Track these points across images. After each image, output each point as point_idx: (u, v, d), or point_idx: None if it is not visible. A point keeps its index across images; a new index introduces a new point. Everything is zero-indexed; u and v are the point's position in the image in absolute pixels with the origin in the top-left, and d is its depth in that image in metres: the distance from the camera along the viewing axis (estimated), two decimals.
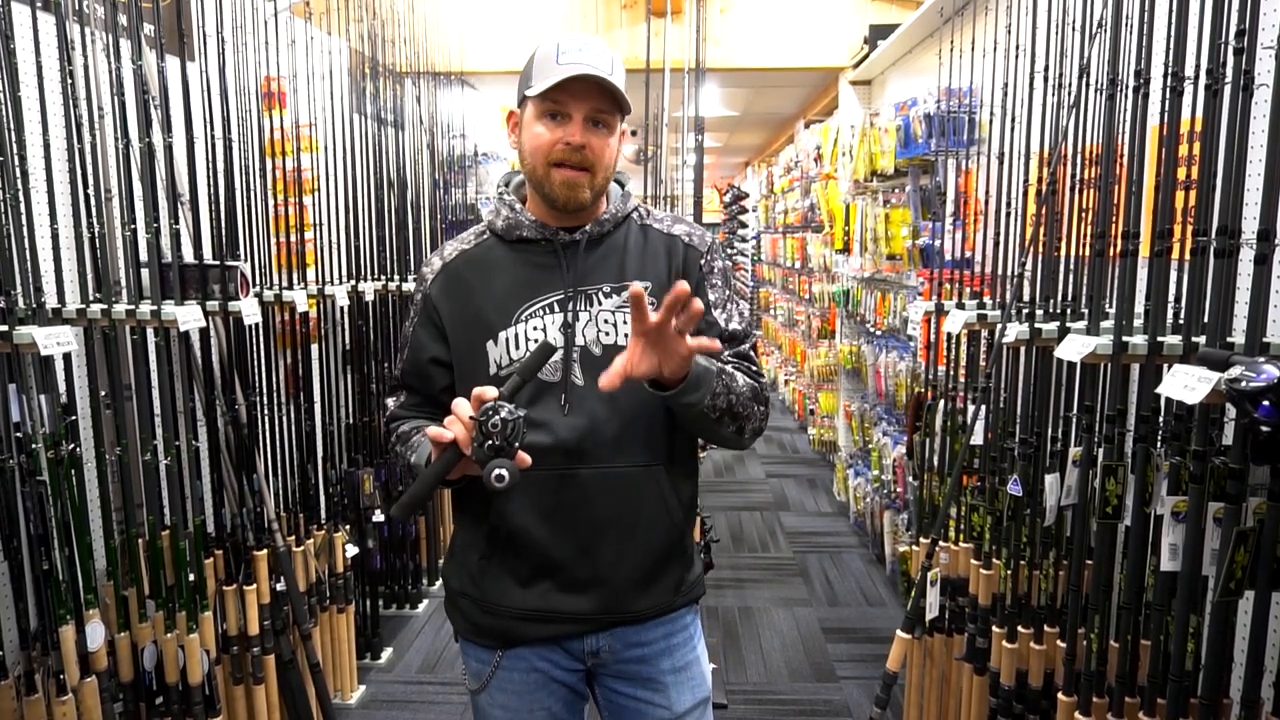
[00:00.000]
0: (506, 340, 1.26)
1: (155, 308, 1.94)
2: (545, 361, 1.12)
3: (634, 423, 1.26)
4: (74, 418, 1.85)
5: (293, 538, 2.51)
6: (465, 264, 1.33)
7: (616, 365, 1.11)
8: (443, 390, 1.33)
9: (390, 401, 1.40)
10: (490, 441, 1.07)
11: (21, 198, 1.73)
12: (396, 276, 3.32)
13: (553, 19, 4.56)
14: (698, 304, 1.06)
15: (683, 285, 1.05)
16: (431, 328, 1.33)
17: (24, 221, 1.73)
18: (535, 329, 1.26)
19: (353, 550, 2.81)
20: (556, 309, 1.27)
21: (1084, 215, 1.84)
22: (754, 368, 1.34)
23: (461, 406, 1.10)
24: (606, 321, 1.27)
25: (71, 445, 1.80)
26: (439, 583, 3.79)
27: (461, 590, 1.35)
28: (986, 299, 2.35)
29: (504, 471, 1.05)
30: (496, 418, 1.07)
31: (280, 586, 2.34)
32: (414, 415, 1.35)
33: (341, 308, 3.00)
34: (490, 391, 1.09)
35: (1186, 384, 1.26)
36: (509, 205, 1.32)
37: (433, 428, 1.12)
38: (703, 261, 1.35)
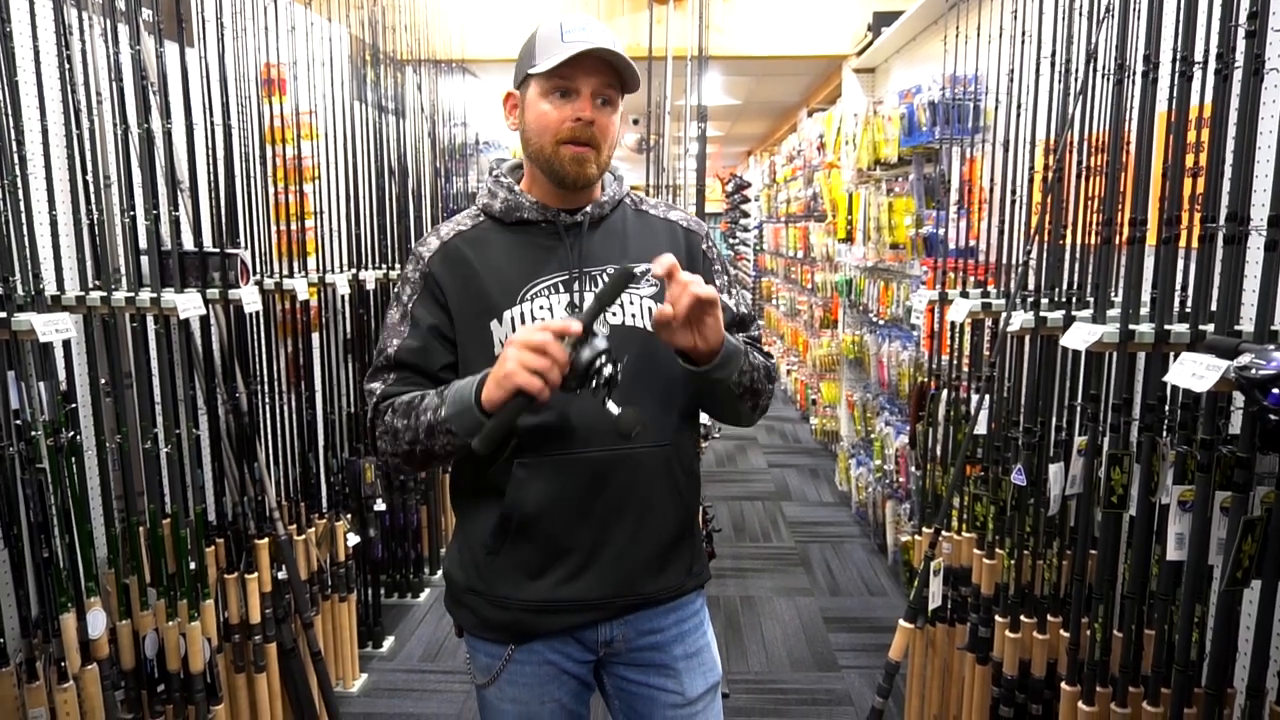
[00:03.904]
0: (512, 319, 1.25)
1: (155, 295, 1.93)
2: (626, 286, 1.05)
3: (645, 403, 1.25)
4: (74, 405, 1.85)
5: (294, 526, 2.51)
6: (464, 244, 1.30)
7: (664, 312, 1.12)
8: (443, 368, 1.29)
9: (376, 385, 1.29)
10: (591, 384, 1.04)
11: (20, 184, 1.71)
12: (398, 265, 3.31)
13: (555, 5, 4.53)
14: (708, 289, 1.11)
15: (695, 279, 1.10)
16: (434, 303, 1.28)
17: (23, 208, 1.72)
18: (541, 308, 1.25)
19: (354, 539, 2.81)
20: (561, 289, 1.26)
21: (1090, 203, 1.82)
22: (763, 348, 1.38)
23: (553, 348, 1.04)
24: None
25: (71, 433, 1.80)
26: (440, 572, 3.79)
27: (468, 586, 1.32)
28: (990, 288, 2.34)
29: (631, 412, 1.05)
30: (602, 364, 1.03)
31: (282, 575, 2.34)
32: (410, 390, 1.29)
33: (342, 296, 2.99)
34: (574, 325, 1.05)
35: (1195, 372, 1.25)
36: (506, 187, 1.30)
37: (529, 358, 1.04)
38: (705, 246, 1.39)
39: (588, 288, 1.27)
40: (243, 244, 2.35)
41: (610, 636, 1.31)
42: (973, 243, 2.68)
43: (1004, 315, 1.94)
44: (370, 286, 3.12)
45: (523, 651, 1.30)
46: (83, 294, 1.92)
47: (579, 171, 1.23)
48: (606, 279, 1.27)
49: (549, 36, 1.21)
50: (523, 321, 1.24)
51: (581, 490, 1.24)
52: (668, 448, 1.29)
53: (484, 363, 1.24)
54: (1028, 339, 1.95)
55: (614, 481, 1.25)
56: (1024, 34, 2.15)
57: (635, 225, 1.34)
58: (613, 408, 1.05)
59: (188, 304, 1.95)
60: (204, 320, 2.16)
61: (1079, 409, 1.81)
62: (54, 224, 1.87)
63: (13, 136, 1.71)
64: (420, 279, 1.29)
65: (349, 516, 2.87)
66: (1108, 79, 1.70)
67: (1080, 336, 1.56)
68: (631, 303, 1.27)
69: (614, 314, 1.26)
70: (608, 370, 1.03)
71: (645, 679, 1.34)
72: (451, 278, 1.28)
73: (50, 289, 1.87)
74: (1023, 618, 1.88)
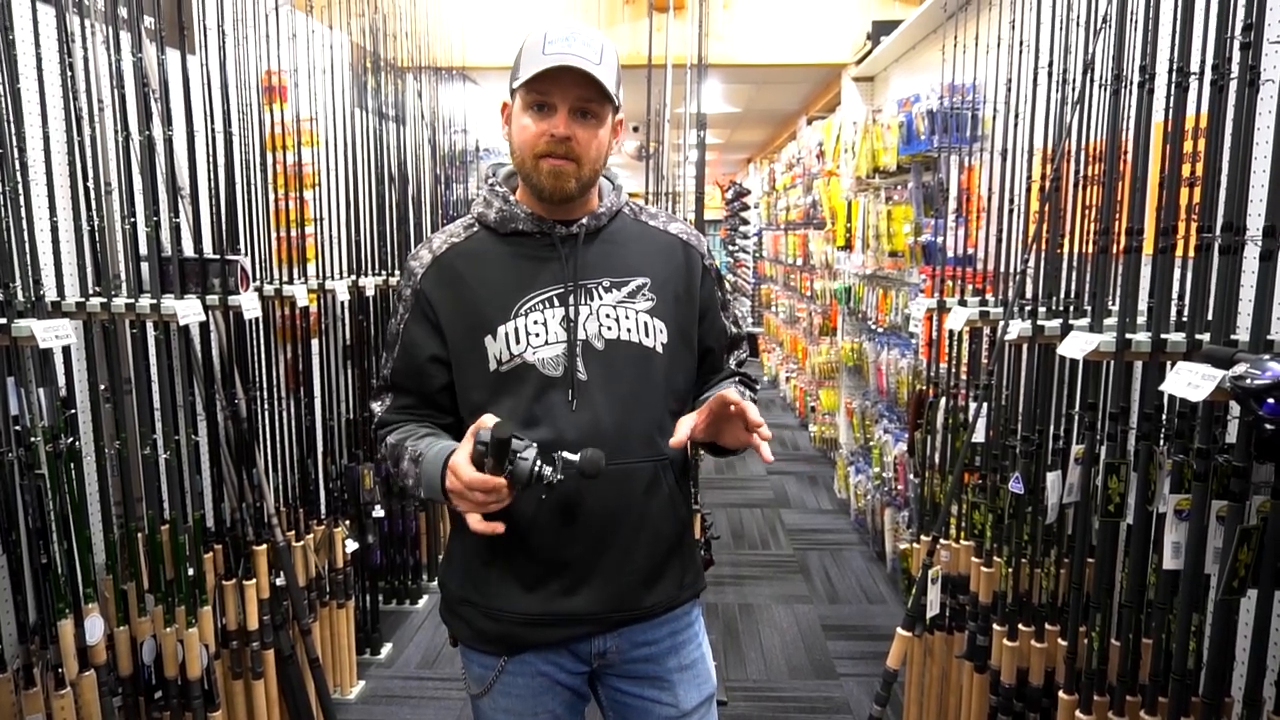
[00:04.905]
0: (506, 335, 1.24)
1: (155, 301, 1.94)
2: (509, 446, 1.10)
3: (640, 418, 1.26)
4: (73, 411, 1.85)
5: (292, 533, 2.50)
6: (457, 257, 1.29)
7: (683, 432, 1.18)
8: (439, 390, 1.29)
9: (376, 406, 1.34)
10: (543, 484, 1.12)
11: (21, 190, 1.72)
12: (397, 271, 3.31)
13: (555, 14, 4.55)
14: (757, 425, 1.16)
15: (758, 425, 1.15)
16: (425, 324, 1.28)
17: (23, 214, 1.73)
18: (536, 323, 1.24)
19: (353, 545, 2.81)
20: (556, 303, 1.25)
21: (1087, 212, 1.83)
22: (749, 374, 1.42)
23: (488, 496, 1.10)
24: (608, 316, 1.26)
25: (70, 439, 1.80)
26: (438, 579, 3.78)
27: (463, 597, 1.32)
28: (989, 296, 2.35)
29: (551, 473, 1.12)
30: (538, 470, 1.11)
31: (280, 581, 2.34)
32: (405, 420, 1.31)
33: (342, 302, 3.00)
34: (487, 422, 1.10)
35: (1190, 381, 1.26)
36: (502, 197, 1.29)
37: (480, 524, 1.13)
38: (706, 263, 1.39)
39: (582, 301, 1.25)
40: (243, 250, 2.35)
41: (604, 649, 1.31)
42: (971, 251, 2.69)
43: (1002, 323, 1.94)
44: (370, 293, 3.12)
45: (515, 663, 1.30)
46: (83, 300, 1.92)
47: (555, 186, 1.21)
48: (603, 292, 1.27)
49: (533, 47, 1.19)
50: (517, 337, 1.23)
51: (579, 504, 1.23)
52: (663, 461, 1.28)
53: (479, 379, 1.25)
54: (1025, 347, 1.96)
55: (609, 495, 1.24)
56: (1022, 44, 2.16)
57: (634, 236, 1.33)
58: (569, 456, 1.13)
59: (187, 310, 1.96)
60: (204, 326, 2.17)
61: (1076, 417, 1.81)
62: (55, 230, 1.88)
63: (14, 143, 1.71)
64: (412, 297, 1.29)
65: (348, 523, 2.87)
66: (1105, 89, 1.71)
67: (1077, 345, 1.57)
68: (627, 317, 1.27)
69: (609, 329, 1.25)
70: (547, 470, 1.12)
71: (639, 691, 1.34)
72: (443, 295, 1.27)
73: (51, 295, 1.87)
74: (1020, 626, 1.88)
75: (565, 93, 1.18)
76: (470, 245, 1.29)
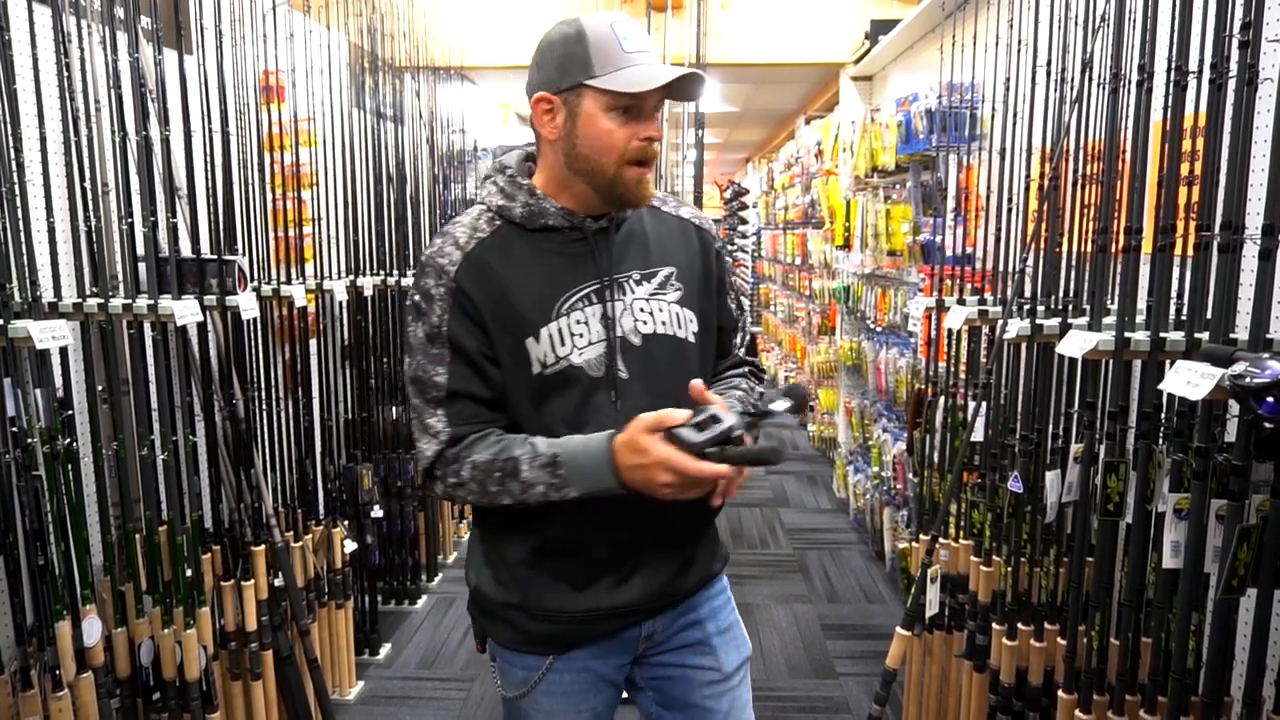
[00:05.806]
0: (550, 337, 1.19)
1: (152, 302, 1.94)
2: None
3: (671, 405, 1.23)
4: (71, 412, 1.84)
5: (291, 533, 2.50)
6: (488, 253, 1.21)
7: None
8: (500, 388, 1.21)
9: (436, 422, 1.20)
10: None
11: (18, 191, 1.72)
12: (395, 271, 3.31)
13: (553, 14, 4.52)
14: None
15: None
16: (469, 321, 1.19)
17: (20, 215, 1.72)
18: (578, 322, 1.20)
19: (351, 546, 2.80)
20: (594, 300, 1.22)
21: (1086, 211, 1.83)
22: (754, 359, 1.43)
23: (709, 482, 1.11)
24: (642, 310, 1.24)
25: (68, 440, 1.80)
26: (438, 578, 3.78)
27: (506, 602, 1.28)
28: (988, 295, 2.34)
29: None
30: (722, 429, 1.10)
31: (278, 582, 2.34)
32: (477, 430, 1.21)
33: (340, 303, 2.99)
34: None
35: (1190, 380, 1.26)
36: (526, 190, 1.22)
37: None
38: (717, 245, 1.39)
39: (616, 296, 1.23)
40: (240, 250, 2.35)
41: (651, 631, 1.32)
42: (969, 250, 2.69)
43: (1000, 322, 1.94)
44: (368, 293, 3.12)
45: (563, 660, 1.29)
46: (80, 300, 1.92)
47: (642, 194, 1.19)
48: (634, 285, 1.25)
49: (605, 41, 1.14)
50: (561, 338, 1.19)
51: (628, 501, 1.17)
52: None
53: (520, 383, 1.20)
54: (1024, 346, 1.96)
55: None
56: (1020, 43, 2.16)
57: (653, 226, 1.31)
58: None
59: (185, 310, 1.95)
60: (201, 327, 2.16)
61: (1075, 416, 1.81)
62: (52, 231, 1.87)
63: (11, 144, 1.71)
64: (449, 295, 1.19)
65: (346, 523, 2.86)
66: (1103, 88, 1.71)
67: (1076, 344, 1.57)
68: (661, 310, 1.25)
69: (644, 323, 1.24)
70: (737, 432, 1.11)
71: (681, 660, 1.34)
72: (483, 293, 1.19)
73: (48, 296, 1.87)
74: (1020, 625, 1.88)
75: (655, 95, 1.16)
76: (497, 241, 1.22)
